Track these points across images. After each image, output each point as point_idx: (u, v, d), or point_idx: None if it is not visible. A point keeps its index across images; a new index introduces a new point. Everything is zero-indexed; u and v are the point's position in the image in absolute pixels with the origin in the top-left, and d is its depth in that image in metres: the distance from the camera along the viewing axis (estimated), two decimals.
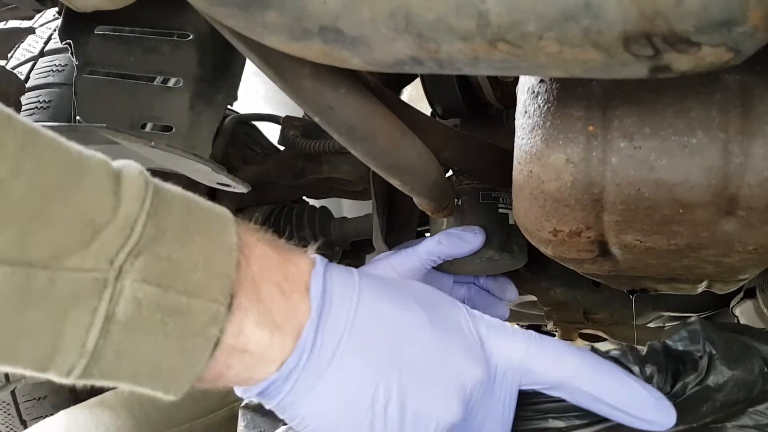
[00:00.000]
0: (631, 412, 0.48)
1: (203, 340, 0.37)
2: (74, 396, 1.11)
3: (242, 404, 0.66)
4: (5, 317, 0.32)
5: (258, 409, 0.65)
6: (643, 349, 0.55)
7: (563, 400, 0.51)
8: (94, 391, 1.13)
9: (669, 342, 0.57)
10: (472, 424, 0.48)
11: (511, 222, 0.78)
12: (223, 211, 0.40)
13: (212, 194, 1.32)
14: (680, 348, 0.56)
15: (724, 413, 0.52)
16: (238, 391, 0.45)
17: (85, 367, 0.34)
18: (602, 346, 0.56)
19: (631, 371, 0.52)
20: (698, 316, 1.13)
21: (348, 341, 0.43)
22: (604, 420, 0.51)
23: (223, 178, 0.80)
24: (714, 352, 0.53)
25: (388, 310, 0.45)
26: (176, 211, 0.37)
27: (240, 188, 0.84)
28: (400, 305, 0.46)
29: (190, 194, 0.39)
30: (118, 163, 0.36)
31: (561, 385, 0.49)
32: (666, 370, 0.53)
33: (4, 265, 0.31)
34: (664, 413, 0.48)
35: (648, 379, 0.52)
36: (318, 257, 0.46)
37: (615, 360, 0.52)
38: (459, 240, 0.74)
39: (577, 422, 0.52)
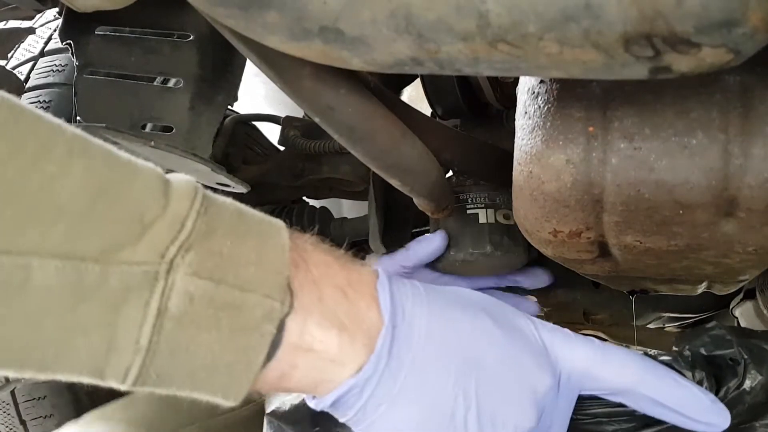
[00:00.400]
0: (690, 414, 0.49)
1: (259, 335, 0.36)
2: (74, 396, 1.12)
3: (269, 411, 0.65)
4: (59, 312, 0.31)
5: (285, 417, 0.63)
6: (689, 354, 0.56)
7: (610, 404, 0.52)
8: (95, 392, 1.13)
9: (698, 347, 0.58)
10: (538, 431, 0.48)
11: (481, 221, 0.79)
12: (275, 219, 0.40)
13: None
14: (711, 353, 0.57)
15: (751, 414, 0.53)
16: (311, 403, 0.43)
17: (141, 365, 0.33)
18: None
19: (684, 376, 0.54)
20: (698, 317, 1.13)
21: (424, 349, 0.42)
22: (652, 423, 0.52)
23: (223, 178, 0.80)
24: (747, 357, 0.55)
25: (459, 318, 0.45)
26: (227, 214, 0.37)
27: (239, 188, 0.84)
28: (470, 313, 0.46)
29: (239, 203, 0.39)
30: (168, 173, 0.36)
31: (626, 391, 0.50)
32: (712, 375, 0.55)
33: (55, 259, 0.30)
34: (720, 415, 0.49)
35: (698, 384, 0.53)
36: (379, 268, 0.46)
37: (668, 365, 0.54)
38: (417, 244, 0.76)
39: (626, 425, 0.53)
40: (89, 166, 0.32)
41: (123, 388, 0.34)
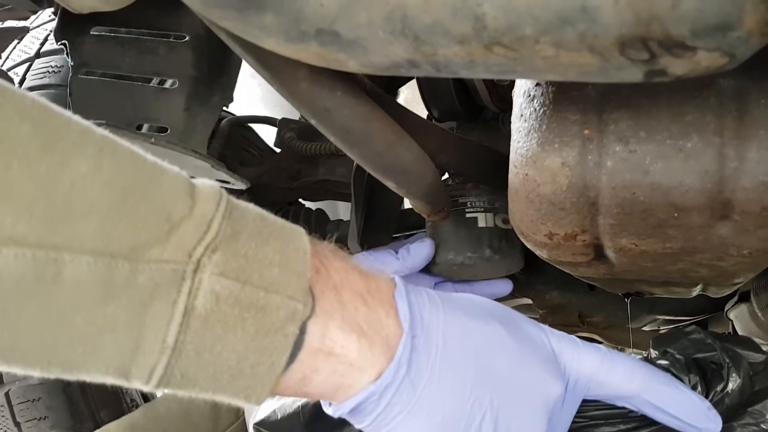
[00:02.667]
0: (687, 420, 0.52)
1: (282, 336, 0.36)
2: (68, 398, 1.11)
3: (256, 421, 0.64)
4: (89, 308, 0.32)
5: (275, 427, 0.63)
6: (682, 358, 0.58)
7: (606, 406, 0.53)
8: (90, 394, 1.12)
9: (679, 351, 0.59)
10: None
11: (480, 225, 0.79)
12: (295, 225, 0.40)
13: None
14: (694, 356, 0.59)
15: (729, 414, 0.54)
16: (329, 410, 0.44)
17: (167, 365, 0.33)
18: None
19: (681, 380, 0.56)
20: (693, 319, 1.13)
21: (442, 359, 0.42)
22: (646, 425, 0.53)
23: (223, 175, 0.80)
24: (729, 361, 0.57)
25: (473, 327, 0.45)
26: (250, 218, 0.37)
27: (239, 185, 0.84)
28: (482, 321, 0.46)
29: (261, 209, 0.39)
30: (192, 178, 0.37)
31: (630, 396, 0.52)
32: (703, 379, 0.57)
33: (87, 254, 0.31)
34: (714, 421, 0.53)
35: (693, 388, 0.55)
36: (396, 276, 0.46)
37: (667, 369, 0.56)
38: (407, 252, 0.76)
39: (622, 427, 0.54)
40: (118, 165, 0.33)
41: (147, 388, 0.34)
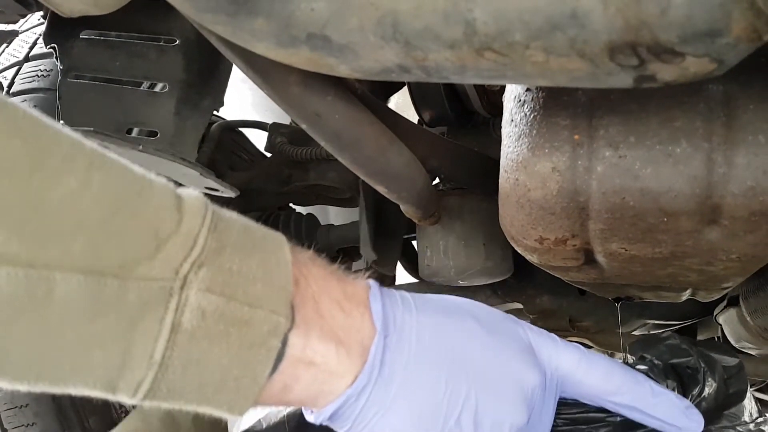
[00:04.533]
0: (666, 420, 0.52)
1: (265, 350, 0.37)
2: (57, 405, 1.10)
3: (241, 431, 0.64)
4: (79, 325, 0.32)
5: None
6: (660, 363, 0.59)
7: (589, 409, 0.53)
8: (79, 401, 1.11)
9: (656, 356, 0.59)
10: (528, 429, 0.49)
11: None
12: (277, 234, 0.41)
13: None
14: (670, 362, 0.59)
15: (705, 418, 0.55)
16: (311, 417, 0.44)
17: (153, 380, 0.34)
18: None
19: (662, 381, 0.56)
20: (683, 324, 1.13)
21: (416, 355, 0.43)
22: (628, 429, 0.53)
23: (212, 183, 0.80)
24: (705, 366, 0.57)
25: (447, 323, 0.46)
26: (234, 230, 0.38)
27: (228, 192, 0.83)
28: (456, 317, 0.47)
29: (244, 218, 0.40)
30: (178, 188, 0.38)
31: (609, 396, 0.52)
32: (680, 383, 0.57)
33: (78, 273, 0.31)
34: (694, 420, 0.52)
35: (672, 390, 0.55)
36: (370, 280, 0.47)
37: (645, 374, 0.56)
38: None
39: (603, 430, 0.54)
40: (108, 180, 0.33)
41: (132, 402, 0.35)
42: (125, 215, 0.33)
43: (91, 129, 0.68)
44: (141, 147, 0.70)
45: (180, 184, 0.39)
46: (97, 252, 0.32)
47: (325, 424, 0.43)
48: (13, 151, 0.30)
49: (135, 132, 0.87)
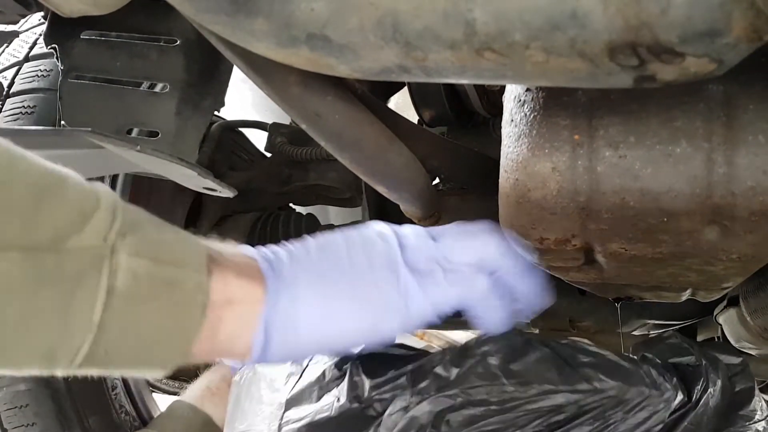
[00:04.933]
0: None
1: (193, 306, 0.41)
2: (57, 405, 1.10)
3: None
4: (20, 300, 0.35)
5: None
6: (660, 363, 0.59)
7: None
8: (79, 401, 1.11)
9: (657, 355, 0.59)
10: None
11: None
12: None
13: (198, 200, 1.32)
14: (670, 360, 0.59)
15: (718, 418, 0.55)
16: (246, 369, 0.48)
17: (92, 343, 0.37)
18: None
19: (663, 379, 0.56)
20: (683, 324, 1.13)
21: (304, 267, 0.49)
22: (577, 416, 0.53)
23: (210, 183, 0.80)
24: (707, 364, 0.58)
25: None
26: (141, 210, 0.42)
27: (226, 192, 0.83)
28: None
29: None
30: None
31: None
32: (683, 381, 0.57)
33: (15, 250, 0.34)
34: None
35: (674, 388, 0.55)
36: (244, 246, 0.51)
37: (647, 373, 0.55)
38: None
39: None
40: (29, 171, 0.37)
41: (69, 371, 0.38)
42: (51, 197, 0.36)
43: (89, 129, 0.67)
44: (139, 147, 0.70)
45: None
46: (30, 230, 0.35)
47: (259, 362, 0.48)
48: None
49: (135, 132, 0.87)
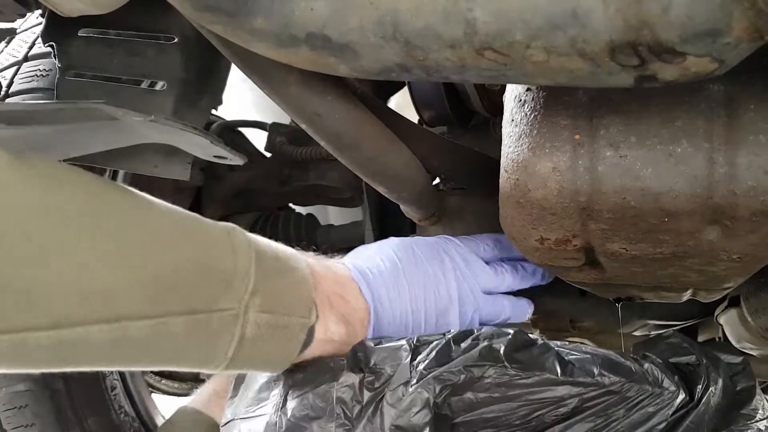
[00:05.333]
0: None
1: (296, 342, 0.56)
2: (56, 405, 1.10)
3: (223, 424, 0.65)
4: (184, 346, 0.50)
5: None
6: (661, 362, 0.59)
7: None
8: (77, 402, 1.11)
9: (657, 355, 0.59)
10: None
11: None
12: (294, 252, 0.59)
13: (197, 200, 1.32)
14: (670, 360, 0.59)
15: (719, 418, 0.55)
16: None
17: (227, 365, 0.52)
18: None
19: (665, 377, 0.56)
20: (684, 324, 1.13)
21: (392, 315, 0.66)
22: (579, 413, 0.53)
23: (221, 150, 0.79)
24: (708, 363, 0.58)
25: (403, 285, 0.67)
26: (269, 258, 0.54)
27: (237, 160, 0.83)
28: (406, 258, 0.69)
29: (268, 241, 0.57)
30: (227, 226, 0.54)
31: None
32: (683, 380, 0.57)
33: (183, 316, 0.48)
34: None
35: (676, 386, 0.56)
36: (347, 261, 0.67)
37: (648, 371, 0.56)
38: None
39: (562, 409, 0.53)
40: (193, 247, 0.49)
41: (215, 372, 0.54)
42: (206, 270, 0.49)
43: (104, 101, 0.67)
44: (152, 117, 0.69)
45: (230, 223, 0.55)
46: (193, 299, 0.48)
47: None
48: (134, 234, 0.46)
49: None
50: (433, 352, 0.54)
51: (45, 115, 0.64)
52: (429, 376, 0.52)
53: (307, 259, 0.61)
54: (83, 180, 0.46)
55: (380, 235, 0.94)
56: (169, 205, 0.52)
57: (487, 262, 0.73)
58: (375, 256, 0.68)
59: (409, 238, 0.72)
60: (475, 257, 0.72)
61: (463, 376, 0.52)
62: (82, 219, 0.44)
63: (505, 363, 0.52)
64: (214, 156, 0.82)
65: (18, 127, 0.65)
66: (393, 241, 0.71)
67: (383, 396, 0.53)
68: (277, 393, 0.59)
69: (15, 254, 0.41)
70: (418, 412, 0.51)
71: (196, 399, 0.94)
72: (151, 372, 1.45)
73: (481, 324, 0.71)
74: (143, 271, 0.47)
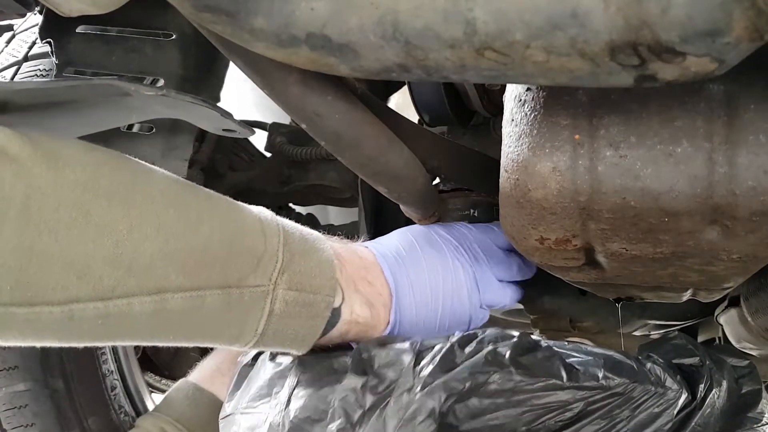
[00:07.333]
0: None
1: (321, 319, 0.59)
2: (56, 405, 1.10)
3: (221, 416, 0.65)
4: (217, 319, 0.53)
5: None
6: (664, 362, 0.59)
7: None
8: (77, 402, 1.11)
9: (662, 356, 0.59)
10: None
11: None
12: (319, 235, 0.62)
13: None
14: (674, 360, 0.59)
15: (724, 421, 0.55)
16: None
17: (257, 341, 0.56)
18: None
19: (668, 377, 0.56)
20: (684, 324, 1.13)
21: (414, 298, 0.68)
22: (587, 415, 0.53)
23: (230, 123, 0.79)
24: (713, 365, 0.58)
25: (424, 269, 0.70)
26: (296, 239, 0.58)
27: (246, 133, 0.83)
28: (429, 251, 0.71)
29: (294, 223, 0.60)
30: (257, 209, 0.58)
31: None
32: (687, 381, 0.57)
33: (217, 289, 0.51)
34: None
35: (679, 386, 0.56)
36: (369, 245, 0.71)
37: (651, 372, 0.56)
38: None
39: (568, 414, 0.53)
40: (226, 224, 0.53)
41: (244, 348, 0.58)
42: (237, 248, 0.53)
43: (115, 76, 0.68)
44: (164, 92, 0.70)
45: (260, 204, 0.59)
46: (226, 274, 0.52)
47: None
48: (170, 211, 0.49)
49: (136, 128, 0.87)
50: (437, 358, 0.53)
51: (60, 92, 0.64)
52: (434, 384, 0.52)
53: (332, 243, 0.64)
54: (122, 159, 0.49)
55: (375, 235, 0.94)
56: (199, 186, 0.55)
57: (502, 250, 0.75)
58: (396, 242, 0.71)
59: (428, 226, 0.75)
60: (492, 246, 0.74)
61: (468, 383, 0.52)
62: (121, 193, 0.47)
63: (511, 368, 0.52)
64: (224, 129, 0.82)
65: (29, 115, 0.65)
66: (413, 228, 0.74)
67: (387, 403, 0.52)
68: (280, 392, 0.59)
69: (61, 228, 0.43)
70: (422, 422, 0.50)
71: (196, 374, 0.93)
72: (151, 372, 1.46)
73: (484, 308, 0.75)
74: (180, 243, 0.49)
